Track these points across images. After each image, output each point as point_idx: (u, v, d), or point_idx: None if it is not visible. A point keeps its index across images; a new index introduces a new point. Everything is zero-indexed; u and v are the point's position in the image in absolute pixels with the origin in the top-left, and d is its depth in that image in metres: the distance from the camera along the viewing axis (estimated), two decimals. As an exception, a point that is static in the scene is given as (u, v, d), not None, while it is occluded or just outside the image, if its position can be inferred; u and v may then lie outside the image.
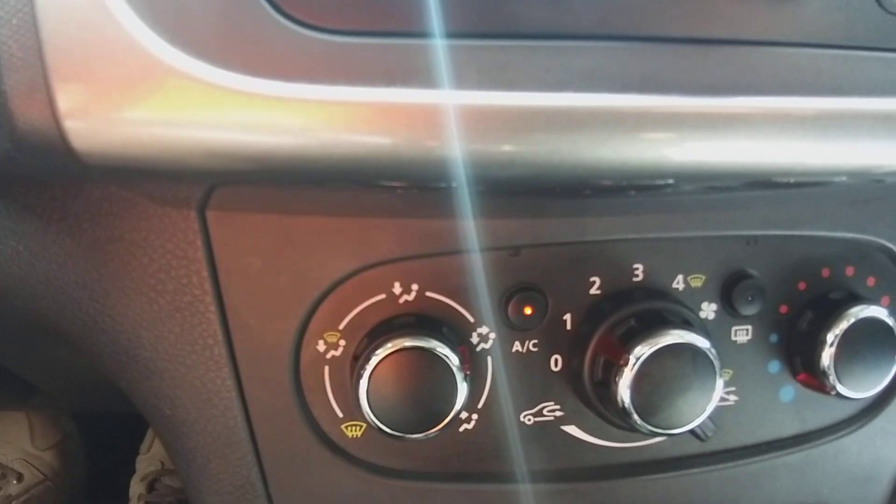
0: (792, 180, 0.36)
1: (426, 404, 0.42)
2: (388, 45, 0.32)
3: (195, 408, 0.46)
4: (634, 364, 0.42)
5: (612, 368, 0.43)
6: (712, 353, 0.43)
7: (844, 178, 0.37)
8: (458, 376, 0.43)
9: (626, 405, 0.42)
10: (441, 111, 0.31)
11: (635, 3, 0.33)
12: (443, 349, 0.42)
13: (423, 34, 0.31)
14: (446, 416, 0.43)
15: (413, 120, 0.32)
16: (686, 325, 0.44)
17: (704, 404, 0.43)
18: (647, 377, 0.42)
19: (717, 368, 0.43)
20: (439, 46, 0.31)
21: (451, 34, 0.31)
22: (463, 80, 0.32)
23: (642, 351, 0.42)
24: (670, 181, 0.38)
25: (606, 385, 0.43)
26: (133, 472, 0.95)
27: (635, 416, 0.42)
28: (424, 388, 0.42)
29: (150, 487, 0.90)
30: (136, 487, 0.92)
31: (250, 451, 0.46)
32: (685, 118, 0.34)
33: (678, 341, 0.42)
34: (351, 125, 0.33)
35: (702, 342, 0.42)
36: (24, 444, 0.94)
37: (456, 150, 0.32)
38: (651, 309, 0.44)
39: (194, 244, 0.43)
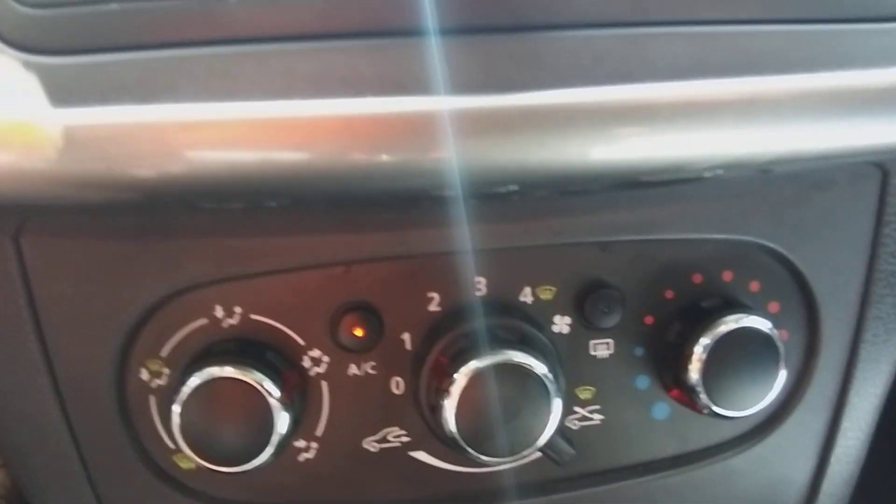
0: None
1: (240, 436, 0.40)
2: (125, 60, 0.30)
3: (29, 439, 0.45)
4: (458, 387, 0.39)
5: (440, 392, 0.40)
6: (546, 375, 0.39)
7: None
8: (275, 405, 0.40)
9: (453, 432, 0.39)
10: (163, 125, 0.29)
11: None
12: (256, 377, 0.40)
13: (152, 46, 0.29)
14: (264, 447, 0.40)
15: (145, 135, 0.30)
16: (522, 343, 0.40)
17: (540, 429, 0.39)
18: (471, 401, 0.39)
19: (553, 390, 0.39)
20: (162, 58, 0.29)
21: (169, 44, 0.29)
22: (184, 92, 0.29)
23: (466, 372, 0.39)
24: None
25: (436, 410, 0.40)
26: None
27: (463, 445, 0.39)
28: (236, 420, 0.40)
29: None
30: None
31: (86, 483, 0.45)
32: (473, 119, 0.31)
33: (503, 361, 0.38)
34: (106, 144, 0.32)
35: (533, 361, 0.39)
36: (-20, 464, 0.95)
37: (186, 164, 0.30)
38: (484, 327, 0.41)
39: (10, 272, 0.42)
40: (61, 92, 0.30)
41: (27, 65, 0.31)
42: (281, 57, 0.29)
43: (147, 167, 0.32)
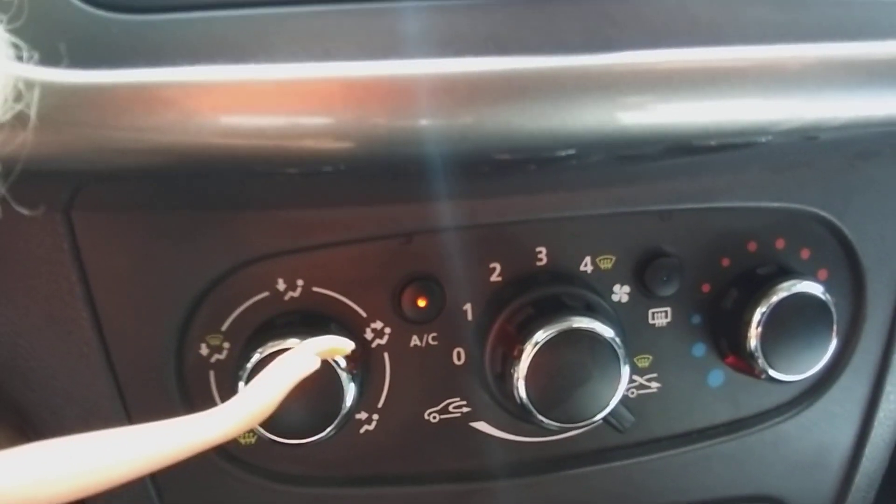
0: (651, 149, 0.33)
1: (309, 408, 0.39)
2: (194, 19, 0.29)
3: (79, 420, 0.44)
4: (528, 354, 0.39)
5: (508, 360, 0.40)
6: (615, 340, 0.39)
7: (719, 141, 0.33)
8: (344, 376, 0.40)
9: (523, 399, 0.39)
10: (248, 89, 0.28)
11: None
12: (324, 348, 0.39)
13: (225, 5, 0.29)
14: (333, 420, 0.40)
15: (219, 98, 0.29)
16: (588, 310, 0.40)
17: (609, 395, 0.40)
18: (542, 368, 0.39)
19: (622, 355, 0.39)
20: (242, 17, 0.28)
21: (248, 4, 0.28)
22: (276, 51, 0.29)
23: (536, 340, 0.39)
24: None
25: (504, 378, 0.40)
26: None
27: (533, 411, 0.39)
28: (305, 392, 0.39)
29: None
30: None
31: (141, 463, 0.44)
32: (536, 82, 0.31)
33: (573, 327, 0.38)
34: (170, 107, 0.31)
35: (602, 328, 0.39)
36: (-11, 455, 0.93)
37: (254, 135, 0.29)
38: (549, 295, 0.41)
39: (60, 248, 0.41)
40: (143, 51, 0.29)
41: (109, 22, 0.30)
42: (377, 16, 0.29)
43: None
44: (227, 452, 0.44)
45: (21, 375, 0.44)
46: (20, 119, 0.27)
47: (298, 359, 0.33)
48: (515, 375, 0.39)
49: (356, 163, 0.31)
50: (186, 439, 0.30)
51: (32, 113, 0.28)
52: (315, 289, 0.42)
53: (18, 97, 0.26)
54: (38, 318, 0.42)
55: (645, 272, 0.43)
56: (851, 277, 0.48)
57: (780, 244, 0.46)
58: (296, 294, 0.42)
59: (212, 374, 0.43)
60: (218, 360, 0.43)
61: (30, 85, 0.29)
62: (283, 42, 0.29)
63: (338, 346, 0.34)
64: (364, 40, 0.29)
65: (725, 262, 0.45)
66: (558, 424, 0.39)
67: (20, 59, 0.29)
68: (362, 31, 0.29)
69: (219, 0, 0.28)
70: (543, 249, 0.43)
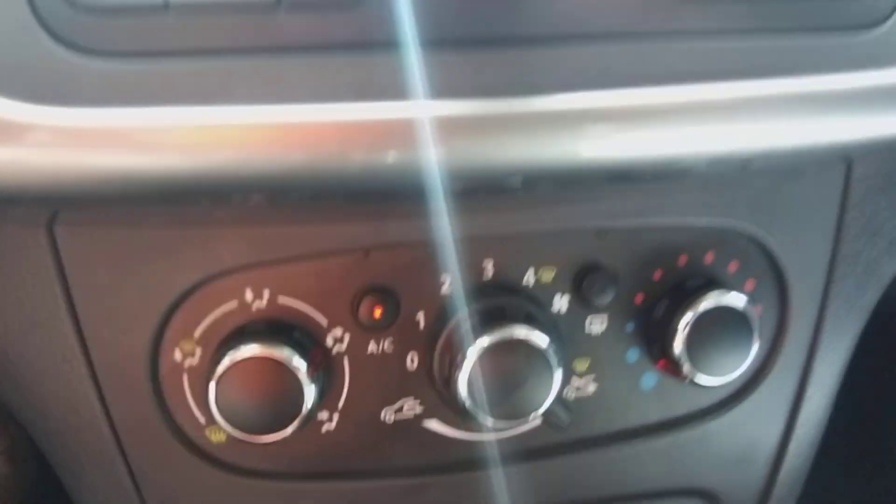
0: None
1: (272, 408, 0.43)
2: (166, 65, 0.33)
3: (63, 419, 0.48)
4: (470, 361, 0.43)
5: (453, 365, 0.44)
6: (549, 348, 0.43)
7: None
8: (304, 380, 0.44)
9: (465, 400, 0.43)
10: (214, 129, 0.32)
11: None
12: (287, 354, 0.43)
13: (196, 52, 0.32)
14: (294, 419, 0.44)
15: (192, 138, 0.33)
16: (527, 319, 0.44)
17: (543, 397, 0.44)
18: (480, 374, 0.43)
19: (554, 361, 0.44)
20: (209, 65, 0.32)
21: (218, 51, 0.32)
22: (234, 96, 0.32)
23: (474, 349, 0.43)
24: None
25: (449, 382, 0.44)
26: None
27: (473, 411, 0.43)
28: (269, 393, 0.43)
29: None
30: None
31: (119, 459, 0.48)
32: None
33: (508, 337, 0.43)
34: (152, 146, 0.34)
35: (538, 337, 0.43)
36: (-26, 451, 0.95)
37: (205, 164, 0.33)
38: (493, 306, 0.45)
39: (44, 260, 0.44)
40: (111, 93, 0.33)
41: (76, 65, 0.33)
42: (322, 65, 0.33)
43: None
44: (199, 449, 0.48)
45: (10, 378, 0.48)
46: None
47: None
48: (459, 379, 0.43)
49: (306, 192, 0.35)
50: None
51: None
52: (280, 299, 0.46)
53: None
54: (25, 326, 0.46)
55: (583, 283, 0.47)
56: (777, 289, 0.52)
57: (709, 258, 0.50)
58: (262, 304, 0.46)
59: (185, 376, 0.47)
60: (191, 365, 0.46)
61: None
62: (241, 87, 0.32)
63: None
64: (314, 86, 0.33)
65: (658, 274, 0.49)
66: (497, 423, 0.43)
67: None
68: (313, 76, 0.33)
69: (185, 47, 0.32)
70: (490, 262, 0.47)
